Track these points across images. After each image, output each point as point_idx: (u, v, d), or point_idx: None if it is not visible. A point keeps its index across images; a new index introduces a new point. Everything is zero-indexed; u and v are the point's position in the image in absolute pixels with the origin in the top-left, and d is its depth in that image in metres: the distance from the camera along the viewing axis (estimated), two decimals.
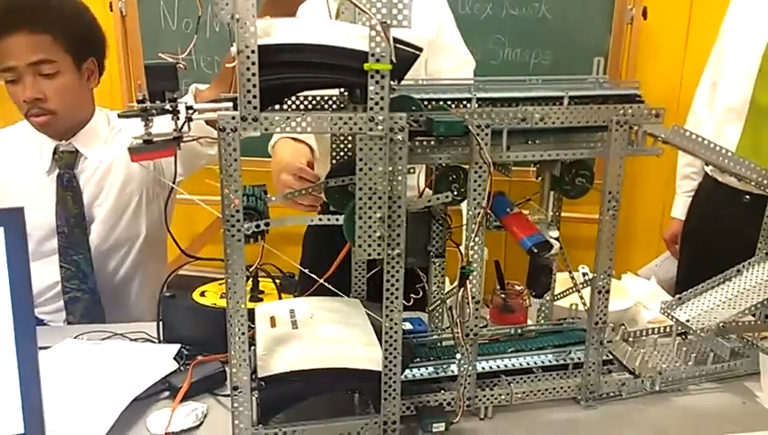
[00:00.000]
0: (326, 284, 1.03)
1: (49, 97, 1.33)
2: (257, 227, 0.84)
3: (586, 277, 1.09)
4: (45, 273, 1.40)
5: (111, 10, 2.40)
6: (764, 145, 1.59)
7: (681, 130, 0.96)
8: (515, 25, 2.29)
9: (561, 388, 1.01)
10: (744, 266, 1.14)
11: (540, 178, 1.06)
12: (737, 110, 1.64)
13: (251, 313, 0.85)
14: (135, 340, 1.19)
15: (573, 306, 1.15)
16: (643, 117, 0.93)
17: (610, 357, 1.06)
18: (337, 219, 0.89)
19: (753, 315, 1.12)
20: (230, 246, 0.78)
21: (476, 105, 0.91)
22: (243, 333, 0.80)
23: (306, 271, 1.04)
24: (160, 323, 1.16)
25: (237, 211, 0.77)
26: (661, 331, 1.18)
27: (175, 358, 1.07)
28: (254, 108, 0.74)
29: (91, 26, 1.41)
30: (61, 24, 1.32)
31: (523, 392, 0.99)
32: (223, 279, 0.80)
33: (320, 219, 0.94)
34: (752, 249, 1.15)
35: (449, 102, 0.91)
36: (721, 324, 1.04)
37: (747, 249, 1.15)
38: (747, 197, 1.61)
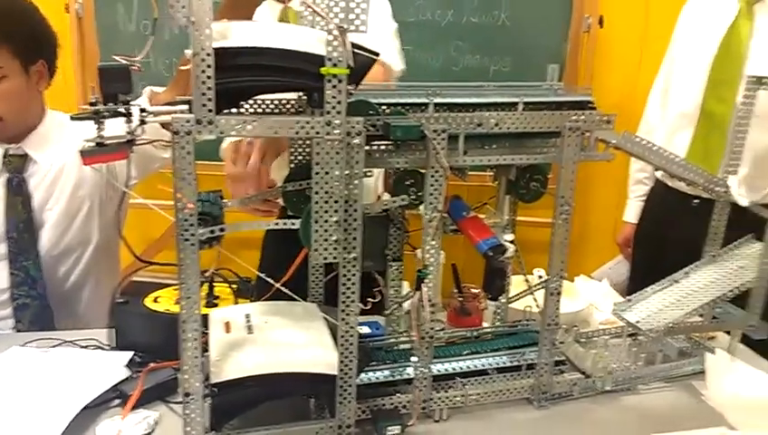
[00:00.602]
0: (282, 288, 1.02)
1: None
2: (212, 232, 0.83)
3: (541, 280, 1.11)
4: None
5: (68, 11, 2.34)
6: (713, 151, 1.64)
7: (631, 136, 0.99)
8: (475, 32, 2.32)
9: (515, 389, 1.02)
10: (691, 269, 1.17)
11: (496, 183, 1.08)
12: (690, 115, 1.69)
13: (205, 318, 0.84)
14: (86, 347, 1.16)
15: (528, 308, 1.17)
16: (595, 123, 0.95)
17: (563, 358, 1.08)
18: (293, 223, 0.89)
19: (701, 316, 1.15)
20: (183, 250, 0.77)
21: (433, 110, 0.92)
22: (195, 339, 0.79)
23: (263, 275, 1.03)
24: (113, 329, 1.13)
25: (191, 215, 0.76)
26: (612, 332, 1.21)
27: (127, 365, 1.05)
28: (210, 111, 0.73)
29: (39, 27, 1.36)
30: (6, 27, 1.28)
31: (478, 394, 1.00)
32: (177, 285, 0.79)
33: (275, 223, 0.93)
34: (701, 252, 1.18)
35: (406, 107, 0.92)
36: (669, 325, 1.07)
37: (696, 252, 1.19)
38: (696, 201, 1.66)
